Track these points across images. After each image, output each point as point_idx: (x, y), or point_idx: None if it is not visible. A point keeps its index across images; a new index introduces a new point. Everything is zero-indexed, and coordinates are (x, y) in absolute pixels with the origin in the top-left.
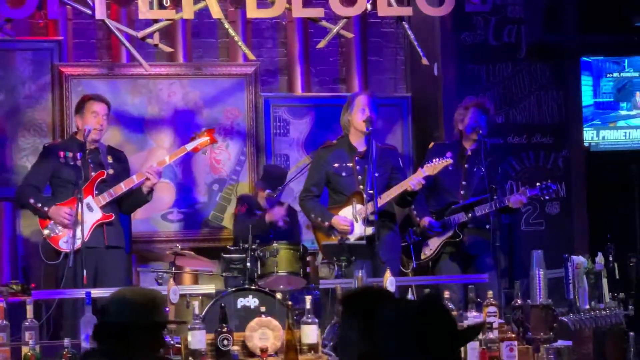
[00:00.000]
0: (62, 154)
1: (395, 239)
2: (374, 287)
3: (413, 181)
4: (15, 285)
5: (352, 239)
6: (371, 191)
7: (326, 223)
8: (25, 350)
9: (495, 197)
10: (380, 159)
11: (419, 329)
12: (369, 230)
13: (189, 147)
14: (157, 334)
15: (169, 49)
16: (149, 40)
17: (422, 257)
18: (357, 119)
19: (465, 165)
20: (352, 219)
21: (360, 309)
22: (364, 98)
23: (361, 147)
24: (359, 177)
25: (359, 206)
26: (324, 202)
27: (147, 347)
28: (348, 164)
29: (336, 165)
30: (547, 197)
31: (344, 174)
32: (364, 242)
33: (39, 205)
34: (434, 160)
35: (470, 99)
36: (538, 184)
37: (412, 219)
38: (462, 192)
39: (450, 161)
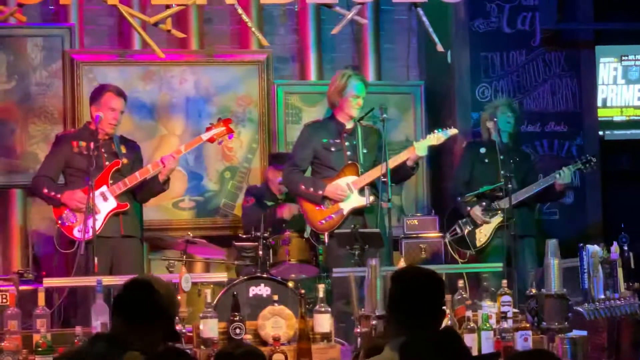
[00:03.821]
0: (75, 143)
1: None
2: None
3: (418, 146)
4: (27, 273)
5: (346, 208)
6: (384, 179)
7: (320, 192)
8: (36, 337)
9: (509, 185)
10: (367, 138)
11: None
12: (363, 201)
13: (205, 137)
14: (171, 325)
15: (181, 35)
16: (161, 26)
17: (478, 244)
18: (349, 105)
19: (501, 157)
20: (347, 188)
21: None
22: (358, 86)
23: (349, 125)
24: (348, 152)
25: (351, 178)
26: None
27: (157, 337)
28: (336, 140)
29: (325, 141)
30: (589, 170)
31: (332, 149)
32: (377, 230)
33: (52, 193)
34: (435, 131)
35: (497, 102)
36: (578, 159)
37: (462, 211)
38: (502, 180)
39: (456, 131)
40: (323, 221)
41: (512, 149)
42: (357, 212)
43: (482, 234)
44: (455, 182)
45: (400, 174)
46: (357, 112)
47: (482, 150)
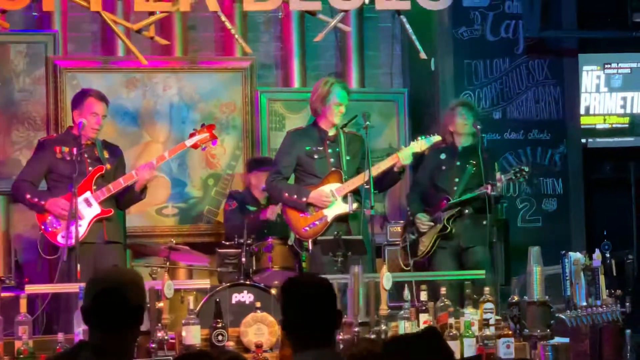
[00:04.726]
0: (58, 149)
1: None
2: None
3: (403, 156)
4: (9, 280)
5: (330, 215)
6: (367, 187)
7: (303, 199)
8: (18, 344)
9: (492, 193)
10: (350, 144)
11: None
12: (347, 208)
13: (189, 143)
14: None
15: (164, 42)
16: (144, 33)
17: (419, 253)
18: (331, 112)
19: (457, 163)
20: (331, 195)
21: None
22: (340, 94)
23: (332, 132)
24: (331, 159)
25: (334, 185)
26: None
27: (134, 333)
28: (319, 147)
29: (308, 148)
30: (521, 180)
31: (316, 156)
32: (359, 237)
33: (36, 199)
34: (419, 138)
35: (457, 101)
36: (512, 168)
37: (407, 217)
38: (455, 188)
39: (439, 138)
40: (307, 228)
41: (473, 152)
42: (341, 219)
43: (423, 244)
44: (410, 192)
45: (388, 180)
46: (339, 120)
47: (442, 156)
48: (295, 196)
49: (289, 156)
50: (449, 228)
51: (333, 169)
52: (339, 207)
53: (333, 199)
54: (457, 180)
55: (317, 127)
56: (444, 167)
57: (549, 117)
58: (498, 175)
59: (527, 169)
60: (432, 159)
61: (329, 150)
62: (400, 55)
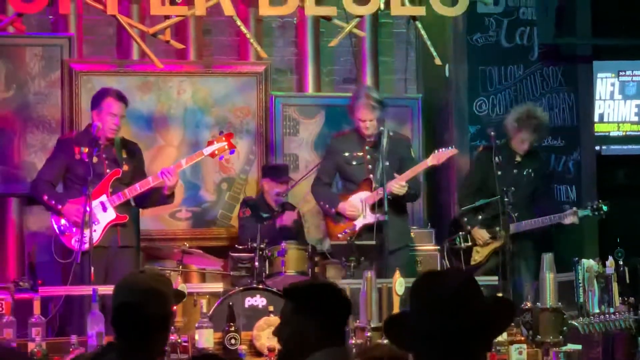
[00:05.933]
0: (77, 149)
1: (404, 227)
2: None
3: (394, 186)
4: (23, 282)
5: (359, 224)
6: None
7: (333, 210)
8: (31, 346)
9: (506, 199)
10: (391, 148)
11: (454, 311)
12: (373, 218)
13: (207, 151)
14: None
15: (180, 46)
16: (160, 37)
17: (472, 262)
18: (358, 125)
19: (514, 171)
20: (360, 205)
21: None
22: (362, 112)
23: (372, 137)
24: (369, 166)
25: (365, 194)
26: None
27: (160, 339)
28: (358, 153)
29: (347, 154)
30: (597, 218)
31: (354, 162)
32: (373, 242)
33: (53, 202)
34: (439, 150)
35: (525, 117)
36: (589, 204)
37: (463, 226)
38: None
39: (456, 151)
40: (340, 235)
41: (529, 161)
42: (377, 226)
43: (479, 254)
44: (463, 190)
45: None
46: (368, 132)
47: (497, 159)
48: (327, 205)
49: (328, 162)
50: (511, 247)
51: (370, 175)
52: (369, 216)
53: (361, 209)
54: (512, 189)
55: (359, 132)
56: (499, 173)
57: (563, 124)
58: (571, 209)
59: (605, 208)
60: (485, 161)
61: (368, 157)
62: (415, 61)
